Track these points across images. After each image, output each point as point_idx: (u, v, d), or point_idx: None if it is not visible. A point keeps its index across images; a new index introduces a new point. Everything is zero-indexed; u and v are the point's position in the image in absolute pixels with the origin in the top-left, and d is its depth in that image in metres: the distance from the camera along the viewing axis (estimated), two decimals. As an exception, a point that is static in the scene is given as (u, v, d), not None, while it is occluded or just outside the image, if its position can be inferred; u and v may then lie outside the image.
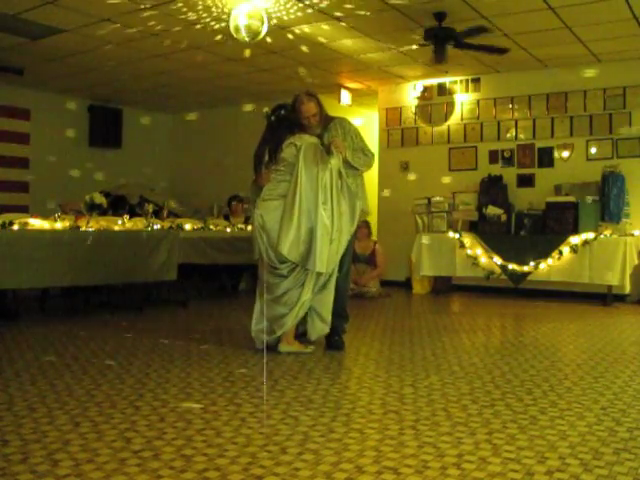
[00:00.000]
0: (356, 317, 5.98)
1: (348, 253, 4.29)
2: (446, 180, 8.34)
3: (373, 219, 9.00)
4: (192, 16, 5.89)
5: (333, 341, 4.30)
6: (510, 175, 7.88)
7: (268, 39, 6.28)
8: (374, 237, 8.38)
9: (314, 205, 3.92)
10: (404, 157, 8.79)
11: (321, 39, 6.65)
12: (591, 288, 6.96)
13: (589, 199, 7.01)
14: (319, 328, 4.15)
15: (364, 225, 7.46)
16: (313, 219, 3.91)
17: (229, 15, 5.54)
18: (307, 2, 5.58)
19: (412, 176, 8.66)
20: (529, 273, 7.07)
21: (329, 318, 4.13)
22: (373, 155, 4.44)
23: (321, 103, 4.27)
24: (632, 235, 6.78)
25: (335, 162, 4.04)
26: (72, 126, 9.49)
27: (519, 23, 6.05)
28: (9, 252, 4.97)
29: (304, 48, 6.93)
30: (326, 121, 4.32)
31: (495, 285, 7.46)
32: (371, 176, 9.45)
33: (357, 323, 5.57)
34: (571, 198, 7.18)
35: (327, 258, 3.94)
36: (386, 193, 8.63)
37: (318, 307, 4.11)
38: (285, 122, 4.15)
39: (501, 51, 6.39)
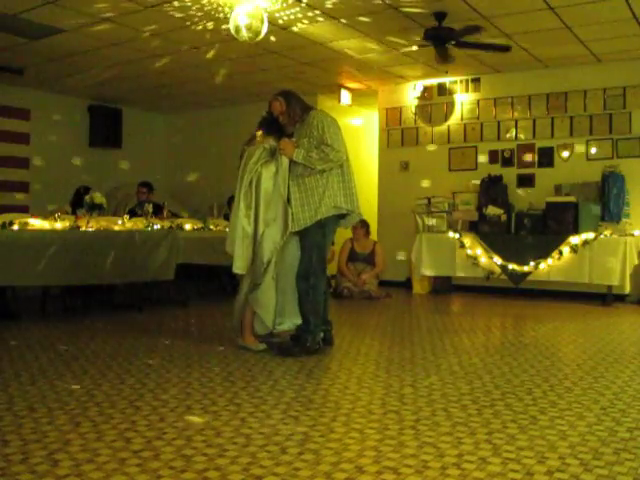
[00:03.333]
0: (356, 317, 5.99)
1: (305, 255, 4.11)
2: (446, 180, 8.34)
3: (373, 219, 9.02)
4: (192, 16, 5.89)
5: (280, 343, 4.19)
6: (510, 175, 7.88)
7: (271, 38, 6.29)
8: (374, 237, 8.39)
9: (237, 209, 4.13)
10: (404, 157, 8.79)
11: (321, 39, 6.65)
12: (591, 288, 6.96)
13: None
14: (256, 327, 4.19)
15: (359, 225, 7.49)
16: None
17: (229, 15, 5.54)
18: (307, 2, 5.58)
19: (413, 175, 8.67)
20: (529, 273, 7.07)
21: (265, 317, 4.10)
22: (333, 148, 3.97)
23: (291, 100, 4.21)
24: (632, 235, 6.77)
25: (268, 167, 4.07)
26: (72, 126, 9.48)
27: (519, 23, 6.05)
28: (9, 252, 4.97)
29: (304, 48, 6.93)
30: (302, 117, 4.21)
31: (495, 285, 7.46)
32: (371, 176, 9.49)
33: (357, 323, 5.58)
34: (571, 198, 7.18)
35: (246, 260, 4.08)
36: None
37: (254, 306, 4.13)
38: (261, 126, 4.30)
39: (503, 49, 6.37)
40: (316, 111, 4.23)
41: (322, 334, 4.21)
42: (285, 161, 4.09)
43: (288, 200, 4.07)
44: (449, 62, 6.57)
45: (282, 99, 4.24)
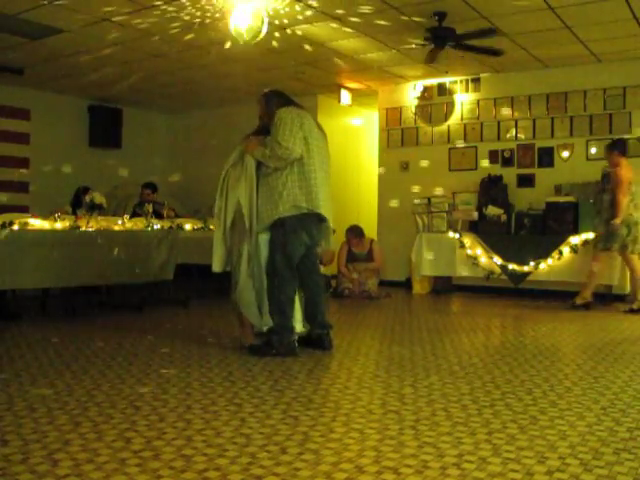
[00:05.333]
0: (356, 317, 5.99)
1: (270, 254, 4.09)
2: (446, 180, 8.34)
3: (373, 219, 9.02)
4: (192, 16, 5.89)
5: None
6: (510, 175, 7.88)
7: (271, 38, 6.29)
8: (374, 237, 8.39)
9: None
10: (404, 157, 8.79)
11: (321, 39, 6.65)
12: (591, 288, 6.96)
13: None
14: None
15: (352, 236, 7.52)
16: None
17: (229, 15, 5.54)
18: (307, 2, 5.58)
19: (412, 176, 8.67)
20: (529, 273, 7.07)
21: (249, 316, 4.18)
22: (280, 144, 3.88)
23: (269, 101, 4.20)
24: (632, 235, 6.76)
25: (236, 169, 4.15)
26: (72, 126, 9.48)
27: (519, 23, 6.05)
28: (9, 252, 4.97)
29: (304, 48, 6.93)
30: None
31: (495, 285, 7.46)
32: (371, 176, 9.49)
33: (357, 323, 5.58)
34: (571, 198, 7.18)
35: (220, 259, 4.22)
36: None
37: (239, 305, 4.20)
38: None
39: (495, 53, 6.40)
40: (282, 109, 4.07)
41: (296, 337, 4.09)
42: (250, 161, 4.11)
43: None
44: (435, 63, 6.61)
45: (262, 100, 4.26)
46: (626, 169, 6.26)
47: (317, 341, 4.20)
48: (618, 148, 6.43)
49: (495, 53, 6.42)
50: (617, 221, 6.16)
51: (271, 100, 4.23)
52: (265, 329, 4.16)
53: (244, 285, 4.12)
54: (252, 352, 4.05)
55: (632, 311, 6.23)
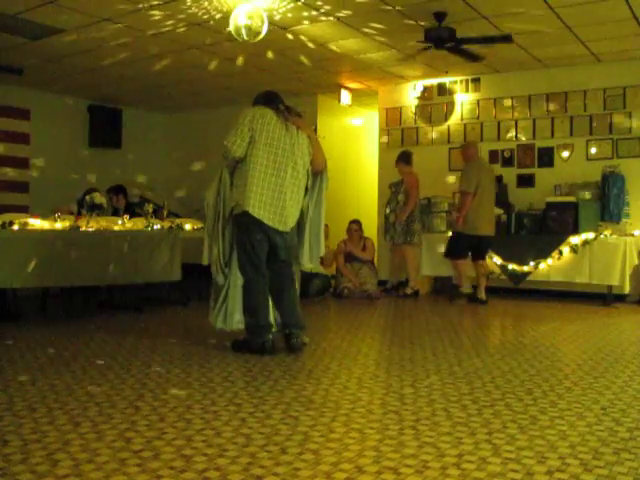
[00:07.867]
0: (356, 317, 5.99)
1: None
2: (446, 180, 8.34)
3: (373, 219, 9.01)
4: (192, 16, 5.89)
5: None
6: (510, 175, 7.88)
7: (271, 38, 6.28)
8: (374, 237, 8.38)
9: None
10: (404, 157, 8.77)
11: (321, 39, 6.65)
12: (591, 288, 6.95)
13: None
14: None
15: (354, 227, 7.51)
16: None
17: (229, 15, 5.54)
18: (307, 2, 5.58)
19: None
20: (529, 273, 7.07)
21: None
22: (226, 142, 3.98)
23: (254, 103, 4.24)
24: (632, 235, 6.77)
25: (225, 169, 4.24)
26: (72, 126, 9.48)
27: (519, 23, 6.05)
28: (9, 252, 4.97)
29: (304, 48, 6.93)
30: None
31: (495, 285, 7.46)
32: (371, 176, 9.49)
33: (357, 323, 5.58)
34: (571, 198, 7.17)
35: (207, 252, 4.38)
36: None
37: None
38: None
39: (505, 39, 6.26)
40: (248, 108, 4.13)
41: (271, 336, 4.09)
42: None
43: None
44: (479, 61, 6.66)
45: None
46: (411, 176, 7.50)
47: (285, 341, 4.14)
48: (403, 159, 7.60)
49: (505, 39, 6.18)
50: (403, 218, 7.42)
51: (255, 101, 4.26)
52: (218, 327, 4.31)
53: (215, 279, 4.36)
54: (233, 348, 4.17)
55: (406, 296, 7.43)
